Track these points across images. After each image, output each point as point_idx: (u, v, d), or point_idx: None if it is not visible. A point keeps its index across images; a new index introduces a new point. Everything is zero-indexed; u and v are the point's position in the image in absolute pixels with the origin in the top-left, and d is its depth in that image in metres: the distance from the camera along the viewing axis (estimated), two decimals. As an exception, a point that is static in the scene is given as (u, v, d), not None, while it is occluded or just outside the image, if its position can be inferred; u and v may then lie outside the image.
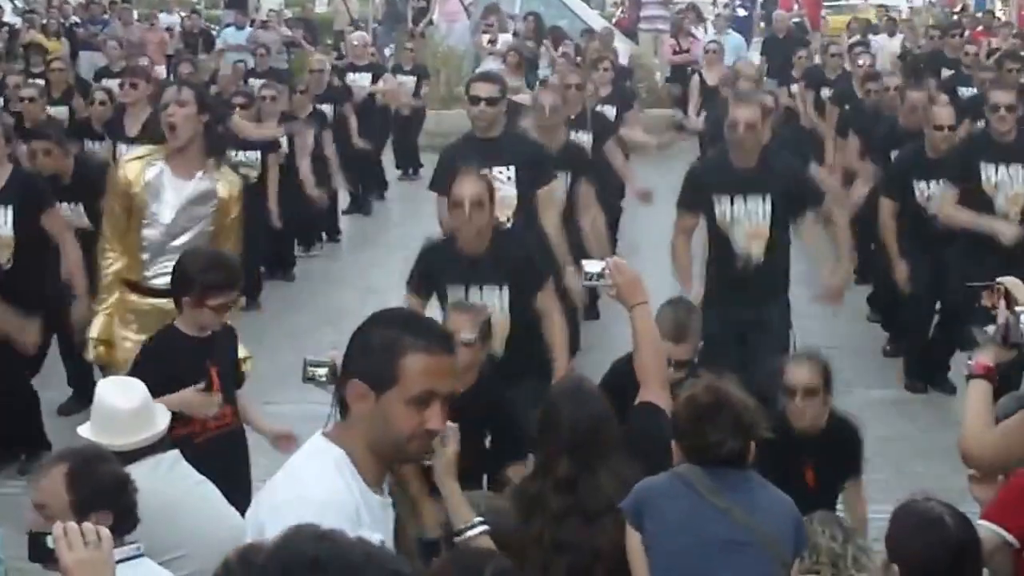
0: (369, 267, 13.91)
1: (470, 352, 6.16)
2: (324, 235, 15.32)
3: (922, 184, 10.08)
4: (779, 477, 6.37)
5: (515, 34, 19.61)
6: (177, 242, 7.27)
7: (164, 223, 7.32)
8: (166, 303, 6.76)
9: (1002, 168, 9.48)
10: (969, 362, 4.78)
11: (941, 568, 4.08)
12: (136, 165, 7.42)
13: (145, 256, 7.38)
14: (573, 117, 11.19)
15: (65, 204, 9.32)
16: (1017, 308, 4.50)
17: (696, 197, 8.48)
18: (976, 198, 9.50)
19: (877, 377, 9.86)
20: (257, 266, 13.17)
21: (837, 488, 6.52)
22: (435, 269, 7.40)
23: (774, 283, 8.25)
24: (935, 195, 9.94)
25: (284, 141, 13.19)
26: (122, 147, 10.24)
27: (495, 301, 7.22)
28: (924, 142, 10.17)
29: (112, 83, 12.39)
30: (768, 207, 8.22)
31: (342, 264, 14.77)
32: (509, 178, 8.30)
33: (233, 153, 12.17)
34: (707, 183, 8.46)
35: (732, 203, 8.26)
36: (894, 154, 10.75)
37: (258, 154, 12.75)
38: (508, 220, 8.05)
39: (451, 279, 7.23)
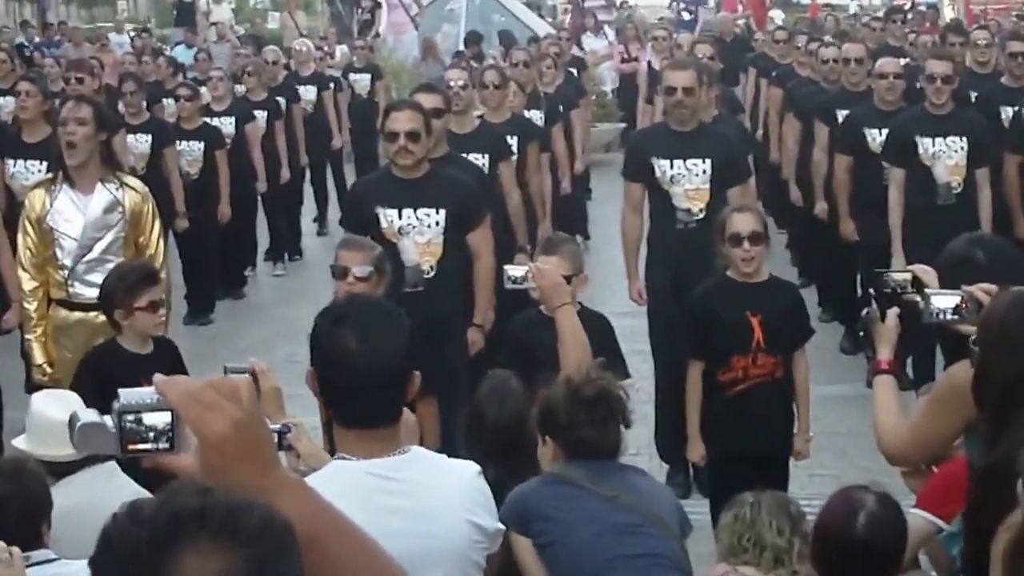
0: (326, 283, 13.83)
1: (367, 287, 6.30)
2: (287, 255, 15.30)
3: (873, 131, 10.22)
4: (729, 334, 6.81)
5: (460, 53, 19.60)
6: (93, 253, 7.54)
7: (75, 239, 7.53)
8: (93, 316, 7.00)
9: (939, 140, 9.50)
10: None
11: (838, 560, 4.20)
12: (40, 194, 7.68)
13: (63, 273, 7.60)
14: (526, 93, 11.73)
15: None
16: (927, 290, 4.58)
17: (637, 163, 8.61)
18: (915, 171, 9.55)
19: (829, 374, 9.91)
20: (213, 272, 13.18)
21: (784, 345, 6.89)
22: (367, 195, 7.66)
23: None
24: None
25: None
26: (9, 162, 10.08)
27: (431, 223, 7.44)
28: (873, 97, 10.36)
29: (7, 100, 12.30)
30: (708, 168, 8.31)
31: (298, 280, 14.73)
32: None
33: (177, 144, 12.33)
34: (646, 148, 8.60)
35: (672, 165, 8.35)
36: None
37: (201, 145, 12.63)
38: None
39: (384, 203, 7.44)
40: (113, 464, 5.27)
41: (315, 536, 2.27)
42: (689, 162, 8.31)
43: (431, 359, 6.51)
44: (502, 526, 3.64)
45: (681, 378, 7.19)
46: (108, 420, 2.26)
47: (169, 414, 2.22)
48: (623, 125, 20.86)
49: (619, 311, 8.52)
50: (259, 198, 14.33)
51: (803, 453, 7.09)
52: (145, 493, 5.19)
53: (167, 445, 2.23)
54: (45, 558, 4.27)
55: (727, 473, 6.72)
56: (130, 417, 2.23)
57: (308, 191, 16.45)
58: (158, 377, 2.23)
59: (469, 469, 3.66)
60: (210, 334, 12.30)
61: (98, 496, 4.99)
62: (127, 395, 2.24)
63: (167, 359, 6.43)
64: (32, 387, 9.77)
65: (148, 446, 2.23)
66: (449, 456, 6.60)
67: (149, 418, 2.22)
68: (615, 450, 4.69)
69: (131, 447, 2.25)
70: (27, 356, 8.60)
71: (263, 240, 15.14)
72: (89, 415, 2.30)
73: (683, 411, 7.15)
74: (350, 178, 17.27)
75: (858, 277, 10.78)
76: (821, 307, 11.83)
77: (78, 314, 7.52)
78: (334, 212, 16.92)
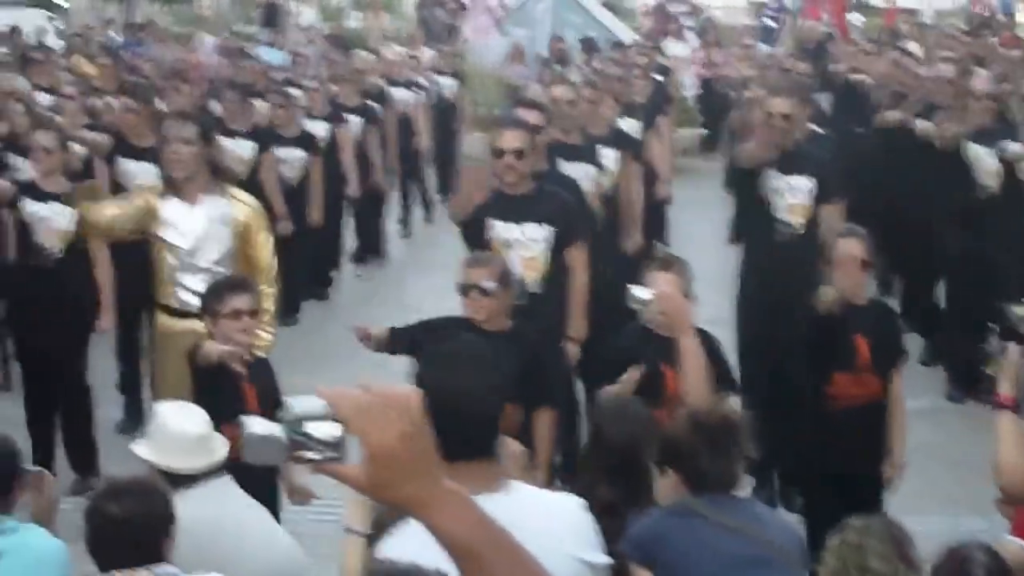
0: (409, 285, 14.06)
1: (494, 300, 6.41)
2: (371, 257, 15.44)
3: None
4: (834, 354, 6.86)
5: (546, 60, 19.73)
6: (200, 264, 7.63)
7: (185, 249, 7.65)
8: (200, 324, 7.13)
9: None
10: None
11: None
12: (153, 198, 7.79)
13: (171, 284, 7.72)
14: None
15: None
16: None
17: (739, 173, 8.88)
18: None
19: (907, 387, 9.92)
20: (299, 274, 13.34)
21: (887, 365, 6.97)
22: (479, 210, 7.75)
23: (812, 258, 8.03)
24: (980, 157, 10.10)
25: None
26: (122, 161, 10.38)
27: (537, 238, 7.60)
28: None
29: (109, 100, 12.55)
30: (810, 185, 8.50)
31: (382, 282, 14.89)
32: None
33: (275, 151, 12.46)
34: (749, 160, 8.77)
35: (778, 179, 8.54)
36: None
37: (302, 152, 12.80)
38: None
39: (495, 214, 7.60)
40: (228, 477, 5.32)
41: (475, 550, 2.26)
42: (792, 179, 8.50)
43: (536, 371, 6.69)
44: (609, 559, 3.59)
45: (766, 388, 7.29)
46: (277, 430, 2.29)
47: (338, 425, 2.22)
48: (703, 131, 20.90)
49: (701, 320, 8.62)
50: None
51: (891, 478, 6.99)
52: (259, 507, 5.32)
53: (335, 455, 2.22)
54: (168, 573, 4.36)
55: (821, 494, 6.80)
56: (299, 428, 2.24)
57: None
58: (325, 389, 2.22)
59: (572, 503, 3.61)
60: (293, 335, 12.38)
61: (209, 507, 5.07)
62: (296, 404, 2.25)
63: (262, 371, 6.61)
64: (124, 385, 10.09)
65: (316, 456, 2.22)
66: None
67: (318, 428, 2.23)
68: (736, 482, 4.67)
69: (299, 457, 2.25)
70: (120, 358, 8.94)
71: (349, 242, 15.32)
72: (258, 426, 2.34)
73: (769, 423, 7.22)
74: (429, 180, 17.51)
75: (938, 288, 10.87)
76: (901, 318, 11.84)
77: (184, 322, 7.60)
78: (417, 214, 17.18)
